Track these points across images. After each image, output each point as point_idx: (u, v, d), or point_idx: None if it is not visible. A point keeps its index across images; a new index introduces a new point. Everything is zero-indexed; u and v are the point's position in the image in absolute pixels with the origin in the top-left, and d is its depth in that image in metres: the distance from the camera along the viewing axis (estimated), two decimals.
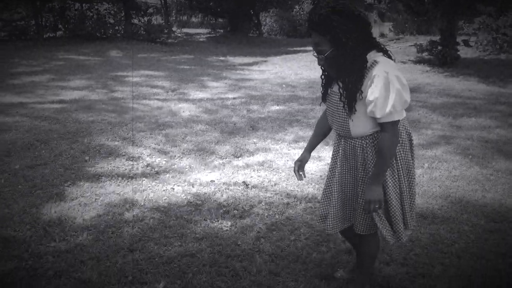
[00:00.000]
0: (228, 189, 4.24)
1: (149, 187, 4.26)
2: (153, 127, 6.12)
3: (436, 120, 6.79)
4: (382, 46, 2.22)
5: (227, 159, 5.06)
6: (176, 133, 5.93)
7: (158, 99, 7.86)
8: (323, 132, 2.62)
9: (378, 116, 2.12)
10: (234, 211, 3.78)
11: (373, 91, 2.09)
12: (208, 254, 3.13)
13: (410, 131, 2.39)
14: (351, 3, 2.14)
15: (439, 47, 12.00)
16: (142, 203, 3.89)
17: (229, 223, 3.58)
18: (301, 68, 11.94)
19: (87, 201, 3.91)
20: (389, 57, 2.21)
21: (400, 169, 2.33)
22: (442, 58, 11.85)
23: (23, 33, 15.09)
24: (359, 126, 2.25)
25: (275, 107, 7.48)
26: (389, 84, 2.07)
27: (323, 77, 2.38)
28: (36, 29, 15.46)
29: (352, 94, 2.16)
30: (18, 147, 5.14)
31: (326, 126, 2.57)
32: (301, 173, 2.59)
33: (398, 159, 2.31)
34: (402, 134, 2.31)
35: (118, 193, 4.08)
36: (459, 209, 3.87)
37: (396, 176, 2.32)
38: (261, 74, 11.08)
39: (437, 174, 4.65)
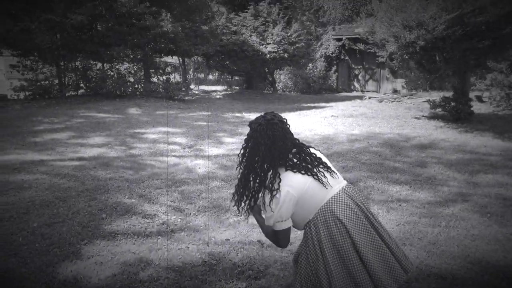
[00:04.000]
0: (243, 248, 4.22)
1: (164, 245, 4.27)
2: (169, 184, 6.20)
3: (452, 177, 6.74)
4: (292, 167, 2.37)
5: (242, 217, 5.07)
6: (191, 190, 5.99)
7: (174, 156, 8.00)
8: None
9: (263, 215, 2.39)
10: (249, 272, 3.75)
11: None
12: None
13: (339, 220, 2.32)
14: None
15: (452, 103, 12.10)
16: (157, 263, 3.89)
17: (244, 284, 3.54)
18: (315, 124, 12.08)
19: (103, 260, 3.92)
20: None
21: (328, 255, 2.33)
22: (456, 114, 11.93)
23: (46, 92, 15.66)
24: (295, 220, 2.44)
25: None
26: (276, 195, 2.28)
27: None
28: (59, 88, 16.06)
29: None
30: (37, 205, 5.24)
31: None
32: None
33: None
34: (329, 223, 2.31)
35: (133, 252, 4.09)
36: (479, 270, 3.78)
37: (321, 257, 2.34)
38: None
39: (455, 233, 4.58)
